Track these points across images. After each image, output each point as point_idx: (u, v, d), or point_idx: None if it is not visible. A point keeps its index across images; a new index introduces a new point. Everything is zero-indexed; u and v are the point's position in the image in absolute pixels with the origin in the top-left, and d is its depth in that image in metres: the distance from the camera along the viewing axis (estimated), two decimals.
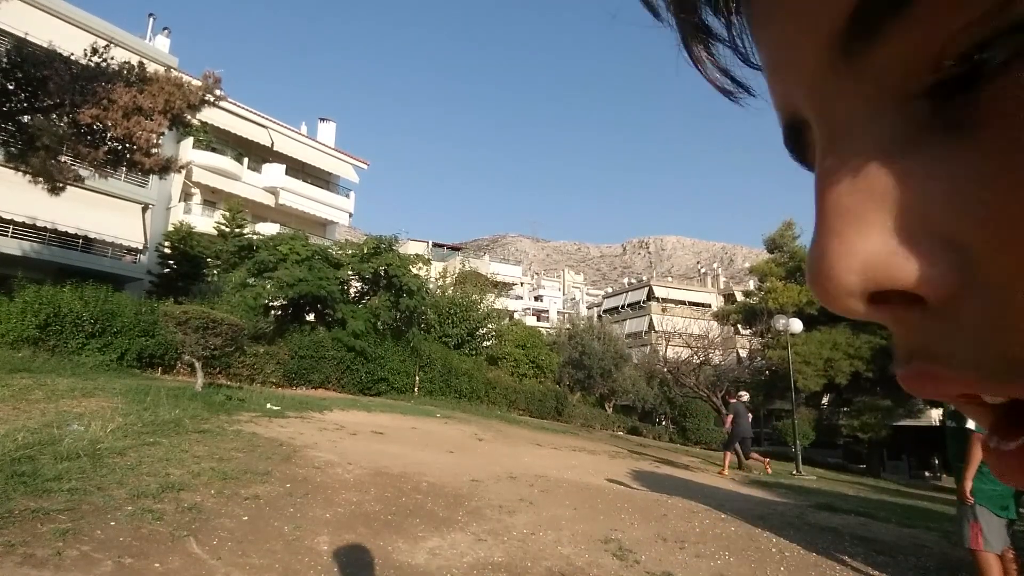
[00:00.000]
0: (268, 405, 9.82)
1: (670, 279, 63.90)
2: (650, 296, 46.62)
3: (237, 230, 20.07)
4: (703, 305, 44.74)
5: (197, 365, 10.15)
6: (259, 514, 4.32)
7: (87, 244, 19.31)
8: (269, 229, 22.32)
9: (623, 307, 49.50)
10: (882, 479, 19.89)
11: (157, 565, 3.26)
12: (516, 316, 39.87)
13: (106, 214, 19.22)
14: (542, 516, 5.41)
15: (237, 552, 3.61)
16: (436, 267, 30.40)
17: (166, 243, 19.14)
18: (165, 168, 12.13)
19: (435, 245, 45.86)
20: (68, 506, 3.81)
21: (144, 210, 20.98)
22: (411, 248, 30.41)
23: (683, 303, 45.48)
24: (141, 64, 11.27)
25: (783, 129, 0.25)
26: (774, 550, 5.04)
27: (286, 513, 4.44)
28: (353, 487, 5.44)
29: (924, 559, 5.14)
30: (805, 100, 0.21)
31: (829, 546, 5.34)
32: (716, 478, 10.75)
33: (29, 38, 12.17)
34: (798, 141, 0.24)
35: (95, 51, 10.72)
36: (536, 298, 62.02)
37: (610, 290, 63.97)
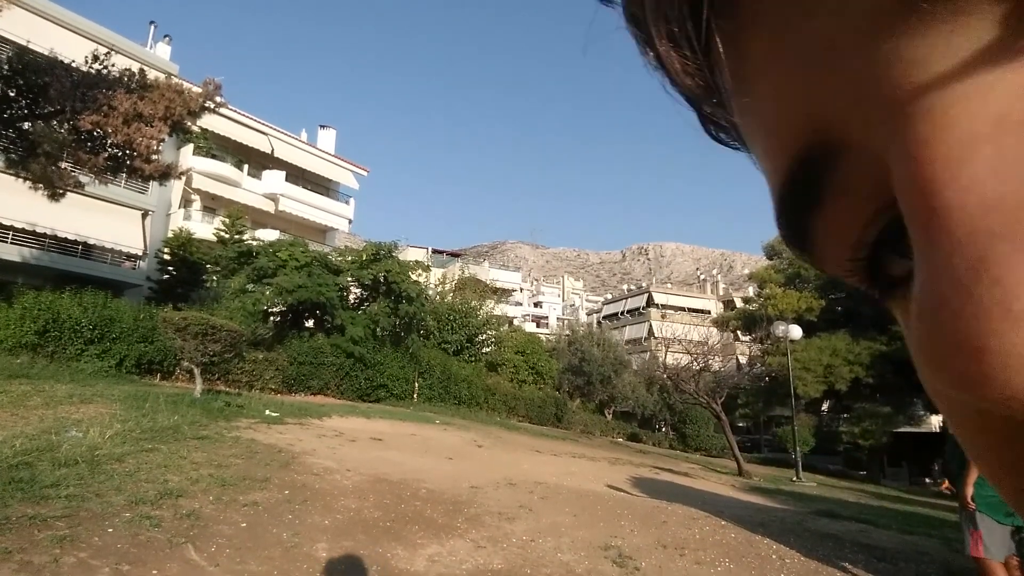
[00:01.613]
0: (267, 411, 9.80)
1: (669, 285, 63.95)
2: (649, 302, 46.64)
3: (237, 236, 20.08)
4: (703, 311, 44.74)
5: (196, 371, 10.13)
6: (257, 521, 4.30)
7: (86, 250, 19.30)
8: (269, 235, 22.31)
9: (622, 313, 49.52)
10: (882, 486, 19.83)
11: (155, 572, 3.24)
12: (515, 322, 39.83)
13: (106, 220, 19.22)
14: (541, 523, 5.39)
15: (235, 559, 3.59)
16: (435, 274, 30.38)
17: (166, 249, 19.14)
18: (165, 174, 12.15)
19: (434, 251, 45.89)
20: (66, 513, 3.80)
21: (144, 216, 20.99)
22: (410, 255, 30.44)
23: (682, 309, 45.48)
24: (142, 71, 11.32)
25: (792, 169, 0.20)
26: (774, 557, 5.02)
27: (284, 520, 4.42)
28: (352, 494, 5.42)
29: (925, 566, 5.12)
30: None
31: (830, 553, 5.32)
32: (716, 485, 10.72)
33: (31, 45, 12.19)
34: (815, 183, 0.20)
35: (96, 58, 10.77)
36: (535, 304, 62.00)
37: (609, 296, 63.99)
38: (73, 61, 10.68)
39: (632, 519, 5.93)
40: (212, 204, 25.01)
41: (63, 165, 11.49)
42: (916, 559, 5.31)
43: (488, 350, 24.71)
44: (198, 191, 24.46)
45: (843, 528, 6.72)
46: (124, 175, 12.84)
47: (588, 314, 58.21)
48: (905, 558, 5.33)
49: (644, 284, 59.87)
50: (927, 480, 23.86)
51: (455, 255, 49.89)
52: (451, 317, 23.27)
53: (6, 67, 10.27)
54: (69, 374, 10.82)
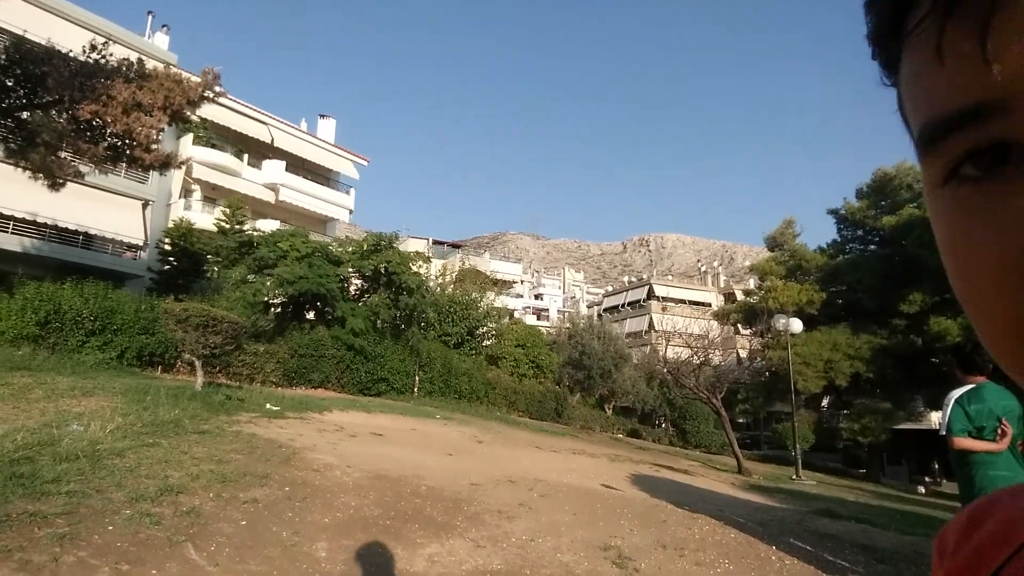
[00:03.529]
0: (267, 405, 9.81)
1: (670, 277, 63.89)
2: (650, 295, 46.58)
3: (237, 227, 20.02)
4: (703, 304, 44.70)
5: (197, 364, 10.13)
6: (257, 519, 4.30)
7: (87, 240, 19.26)
8: (269, 226, 22.26)
9: (623, 306, 49.48)
10: (882, 484, 19.88)
11: (154, 572, 3.23)
12: (516, 315, 39.82)
13: (106, 210, 19.17)
14: (541, 522, 5.39)
15: (235, 558, 3.59)
16: (436, 265, 30.34)
17: (166, 240, 19.11)
18: (165, 164, 12.09)
19: (435, 242, 45.74)
20: (66, 509, 3.79)
21: (144, 206, 20.92)
22: (411, 245, 30.40)
23: (683, 302, 45.43)
24: (140, 61, 11.22)
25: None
26: (774, 558, 5.02)
27: (284, 518, 4.42)
28: (352, 491, 5.42)
29: (925, 568, 5.12)
30: None
31: (829, 554, 5.33)
32: (716, 483, 10.74)
33: (28, 35, 12.08)
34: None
35: (94, 48, 10.67)
36: (536, 296, 61.96)
37: (610, 288, 63.93)
38: (71, 51, 10.58)
39: (632, 518, 5.94)
40: (212, 194, 24.93)
41: (62, 155, 11.42)
42: (916, 560, 5.31)
43: (489, 343, 24.70)
44: (198, 181, 24.38)
45: (843, 528, 6.72)
46: (124, 165, 12.78)
47: (589, 306, 58.17)
48: (905, 559, 5.33)
49: (645, 276, 59.83)
50: (927, 479, 23.89)
51: (456, 246, 49.77)
52: (452, 309, 23.24)
53: (4, 57, 10.18)
54: (70, 366, 10.81)
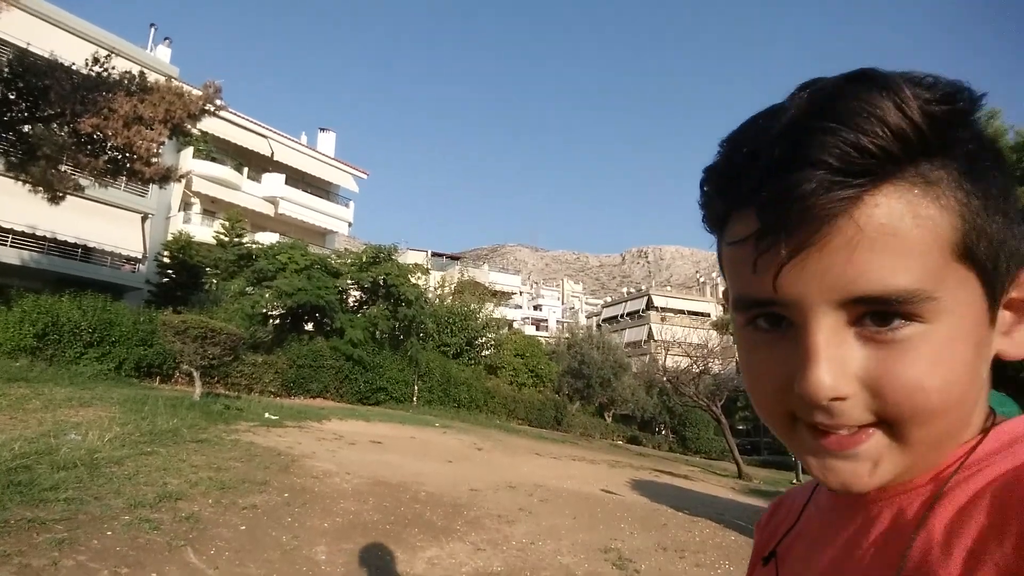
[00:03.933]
0: (266, 414, 9.79)
1: (669, 288, 63.94)
2: (649, 305, 46.61)
3: (236, 239, 20.08)
4: (702, 314, 44.74)
5: (195, 374, 10.12)
6: (257, 524, 4.29)
7: (86, 253, 19.27)
8: (268, 238, 22.32)
9: (622, 316, 49.50)
10: None
11: (154, 575, 3.23)
12: (515, 325, 39.80)
13: (105, 223, 19.21)
14: (541, 526, 5.38)
15: (235, 562, 3.58)
16: (435, 276, 30.38)
17: (165, 252, 19.12)
18: (165, 178, 12.15)
19: (434, 254, 45.84)
20: (65, 516, 3.79)
21: (143, 219, 20.97)
22: (410, 257, 30.47)
23: (682, 312, 45.46)
24: (142, 74, 11.33)
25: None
26: None
27: (284, 523, 4.41)
28: (351, 497, 5.41)
29: None
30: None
31: None
32: (716, 487, 10.70)
33: (31, 48, 12.20)
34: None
35: (96, 61, 10.78)
36: (535, 307, 61.96)
37: (609, 299, 63.97)
38: (73, 64, 10.69)
39: (632, 522, 5.92)
40: (212, 207, 25.01)
41: (63, 168, 11.48)
42: None
43: (488, 353, 24.68)
44: (198, 194, 24.47)
45: None
46: (124, 178, 12.83)
47: (588, 317, 58.18)
48: None
49: (643, 287, 59.88)
50: None
51: (454, 258, 49.86)
52: (450, 320, 23.25)
53: (6, 70, 10.27)
54: (68, 377, 10.79)
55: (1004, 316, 0.39)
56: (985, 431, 0.40)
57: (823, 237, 0.34)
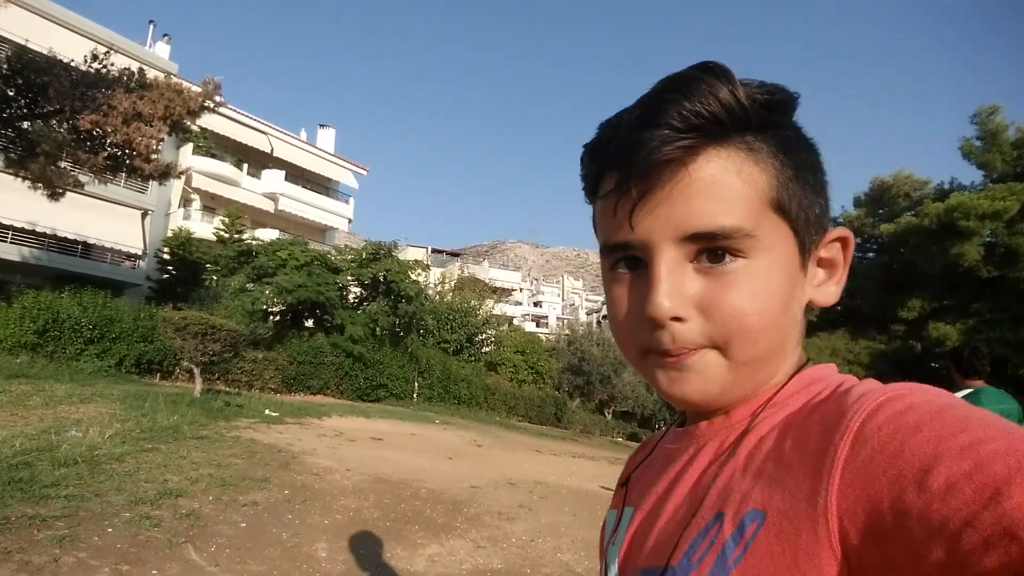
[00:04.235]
0: (266, 411, 9.80)
1: None
2: None
3: (236, 236, 20.06)
4: None
5: (195, 371, 10.13)
6: (257, 521, 4.30)
7: (86, 250, 19.27)
8: (268, 235, 22.28)
9: None
10: None
11: (155, 572, 3.24)
12: (515, 322, 39.83)
13: (105, 220, 19.20)
14: (541, 523, 5.39)
15: (235, 559, 3.59)
16: (435, 273, 30.36)
17: (165, 249, 19.11)
18: (165, 174, 12.14)
19: (434, 251, 45.81)
20: (65, 513, 3.79)
21: (143, 216, 20.97)
22: (410, 254, 30.43)
23: None
24: (141, 70, 11.30)
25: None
26: None
27: (284, 520, 4.42)
28: (352, 494, 5.42)
29: None
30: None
31: None
32: None
33: (30, 44, 12.18)
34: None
35: (95, 57, 10.75)
36: (535, 304, 61.97)
37: None
38: (72, 60, 10.66)
39: None
40: (212, 203, 24.99)
41: (62, 164, 11.47)
42: None
43: (488, 350, 24.69)
44: (197, 190, 24.44)
45: None
46: (123, 174, 12.83)
47: (588, 313, 58.16)
48: None
49: None
50: None
51: (455, 254, 49.86)
52: (451, 316, 23.25)
53: (5, 66, 10.25)
54: (69, 374, 10.80)
55: (817, 272, 0.50)
56: (796, 374, 0.48)
57: (665, 183, 0.43)
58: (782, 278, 0.45)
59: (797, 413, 0.44)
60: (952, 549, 0.29)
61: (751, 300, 0.43)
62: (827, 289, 0.50)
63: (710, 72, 0.43)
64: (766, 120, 0.44)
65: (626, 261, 0.47)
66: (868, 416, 0.37)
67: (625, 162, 0.44)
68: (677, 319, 0.43)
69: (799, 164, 0.46)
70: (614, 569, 0.53)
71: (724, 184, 0.43)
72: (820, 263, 0.49)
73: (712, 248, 0.43)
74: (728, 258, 0.43)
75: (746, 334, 0.43)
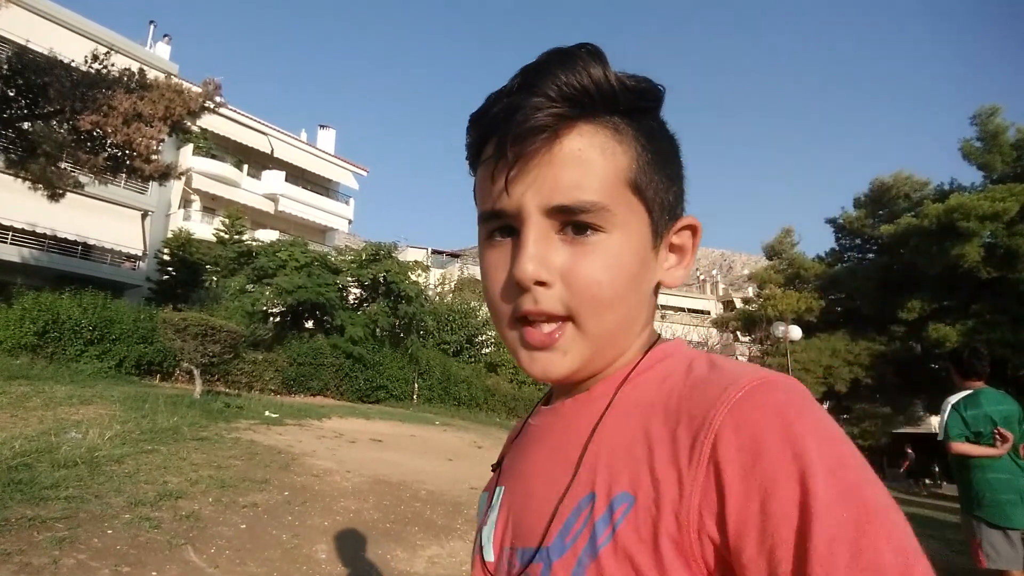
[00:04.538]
0: (266, 413, 9.78)
1: None
2: None
3: (236, 237, 20.06)
4: (702, 312, 44.74)
5: (195, 372, 10.12)
6: (257, 522, 4.29)
7: (86, 251, 19.28)
8: (268, 236, 22.29)
9: None
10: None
11: (154, 574, 3.23)
12: None
13: (105, 221, 19.21)
14: None
15: (235, 560, 3.59)
16: (435, 274, 30.35)
17: (165, 250, 19.12)
18: (165, 175, 12.15)
19: (434, 252, 45.75)
20: (65, 514, 3.79)
21: (143, 217, 20.98)
22: (410, 255, 30.41)
23: (682, 310, 45.47)
24: (141, 71, 11.30)
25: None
26: None
27: (284, 521, 4.42)
28: (352, 495, 5.42)
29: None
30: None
31: None
32: None
33: (30, 45, 12.18)
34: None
35: (95, 58, 10.75)
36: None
37: None
38: (72, 61, 10.66)
39: None
40: (212, 204, 25.00)
41: (63, 165, 11.48)
42: None
43: (488, 351, 24.67)
44: (198, 191, 24.45)
45: None
46: (124, 175, 12.84)
47: None
48: None
49: None
50: (927, 480, 23.86)
51: (455, 255, 49.81)
52: (451, 317, 23.23)
53: (6, 67, 10.26)
54: (69, 375, 10.79)
55: (669, 257, 0.53)
56: (649, 351, 0.53)
57: (539, 149, 0.46)
58: (634, 255, 0.49)
59: (658, 392, 0.47)
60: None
61: (604, 271, 0.47)
62: (676, 272, 0.54)
63: (587, 51, 0.47)
64: (633, 105, 0.49)
65: (500, 231, 0.50)
66: (729, 413, 0.40)
67: (504, 127, 0.46)
68: (541, 283, 0.46)
69: (659, 151, 0.50)
70: (490, 549, 0.54)
71: (588, 159, 0.46)
72: (672, 248, 0.53)
73: (576, 222, 0.47)
74: (590, 231, 0.47)
75: (597, 304, 0.47)
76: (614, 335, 0.49)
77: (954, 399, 3.36)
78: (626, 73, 0.48)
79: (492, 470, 0.64)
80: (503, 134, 0.46)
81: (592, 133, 0.47)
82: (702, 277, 66.33)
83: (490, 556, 0.54)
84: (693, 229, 0.54)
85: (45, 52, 11.01)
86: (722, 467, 0.38)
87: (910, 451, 23.91)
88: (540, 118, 0.45)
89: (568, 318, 0.47)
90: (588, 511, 0.44)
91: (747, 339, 30.24)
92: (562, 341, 0.48)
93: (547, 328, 0.48)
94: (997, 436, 3.14)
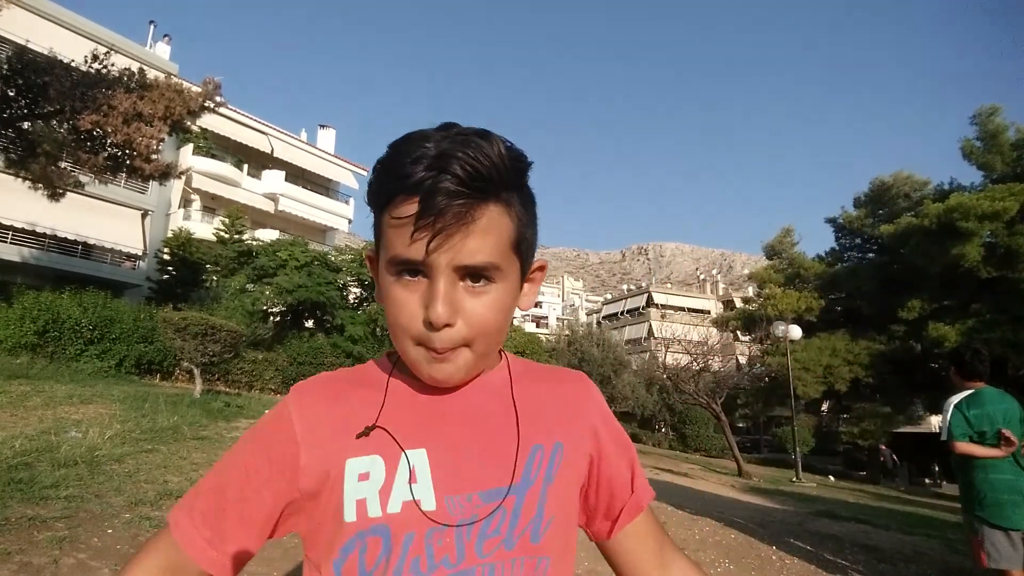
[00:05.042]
0: (266, 412, 9.78)
1: (669, 285, 63.91)
2: (649, 302, 46.63)
3: (236, 236, 20.06)
4: (702, 311, 44.73)
5: (196, 371, 10.12)
6: None
7: (86, 250, 19.28)
8: (269, 235, 22.28)
9: (622, 313, 49.51)
10: (882, 486, 19.81)
11: None
12: (515, 322, 39.84)
13: (105, 220, 19.20)
14: None
15: None
16: None
17: (165, 249, 19.11)
18: (165, 174, 12.14)
19: None
20: (65, 514, 3.79)
21: (144, 216, 20.98)
22: None
23: (682, 309, 45.48)
24: (141, 70, 11.30)
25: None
26: (774, 557, 5.01)
27: None
28: None
29: (925, 567, 5.11)
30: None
31: (830, 553, 5.32)
32: (716, 485, 10.71)
33: (30, 45, 12.18)
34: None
35: (95, 58, 10.75)
36: (535, 304, 61.90)
37: (609, 296, 63.91)
38: (72, 61, 10.66)
39: None
40: (212, 204, 24.99)
41: (63, 165, 11.48)
42: (916, 560, 5.30)
43: None
44: (198, 191, 24.43)
45: (843, 529, 6.71)
46: (124, 175, 12.83)
47: (588, 314, 58.19)
48: (906, 559, 5.32)
49: (644, 284, 59.83)
50: (927, 480, 23.87)
51: None
52: None
53: (5, 67, 10.25)
54: (69, 374, 10.79)
55: (525, 288, 0.68)
56: (505, 357, 0.73)
57: (457, 224, 0.56)
58: (512, 296, 0.63)
59: (539, 377, 0.73)
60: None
61: (494, 313, 0.61)
62: (528, 299, 0.69)
63: (486, 138, 0.58)
64: (516, 181, 0.61)
65: (409, 272, 0.59)
66: (594, 391, 0.76)
67: (426, 201, 0.55)
68: (448, 325, 0.58)
69: (530, 212, 0.64)
70: (431, 499, 0.61)
71: (490, 231, 0.58)
72: (527, 280, 0.69)
73: (474, 274, 0.59)
74: (483, 281, 0.60)
75: (488, 336, 0.62)
76: (492, 353, 0.66)
77: (956, 399, 3.35)
78: (509, 148, 0.59)
79: (359, 437, 0.66)
80: (428, 208, 0.55)
81: (493, 210, 0.58)
82: (702, 276, 66.30)
83: (431, 506, 0.61)
84: (543, 268, 0.70)
85: (45, 52, 11.01)
86: (596, 428, 0.72)
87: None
88: (460, 202, 0.56)
89: (466, 345, 0.61)
90: (540, 455, 0.65)
91: (747, 338, 30.20)
92: (460, 360, 0.61)
93: (449, 350, 0.61)
94: (1003, 438, 3.13)
